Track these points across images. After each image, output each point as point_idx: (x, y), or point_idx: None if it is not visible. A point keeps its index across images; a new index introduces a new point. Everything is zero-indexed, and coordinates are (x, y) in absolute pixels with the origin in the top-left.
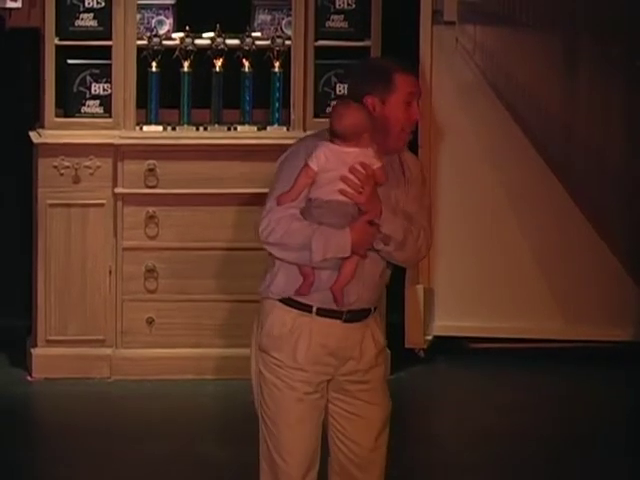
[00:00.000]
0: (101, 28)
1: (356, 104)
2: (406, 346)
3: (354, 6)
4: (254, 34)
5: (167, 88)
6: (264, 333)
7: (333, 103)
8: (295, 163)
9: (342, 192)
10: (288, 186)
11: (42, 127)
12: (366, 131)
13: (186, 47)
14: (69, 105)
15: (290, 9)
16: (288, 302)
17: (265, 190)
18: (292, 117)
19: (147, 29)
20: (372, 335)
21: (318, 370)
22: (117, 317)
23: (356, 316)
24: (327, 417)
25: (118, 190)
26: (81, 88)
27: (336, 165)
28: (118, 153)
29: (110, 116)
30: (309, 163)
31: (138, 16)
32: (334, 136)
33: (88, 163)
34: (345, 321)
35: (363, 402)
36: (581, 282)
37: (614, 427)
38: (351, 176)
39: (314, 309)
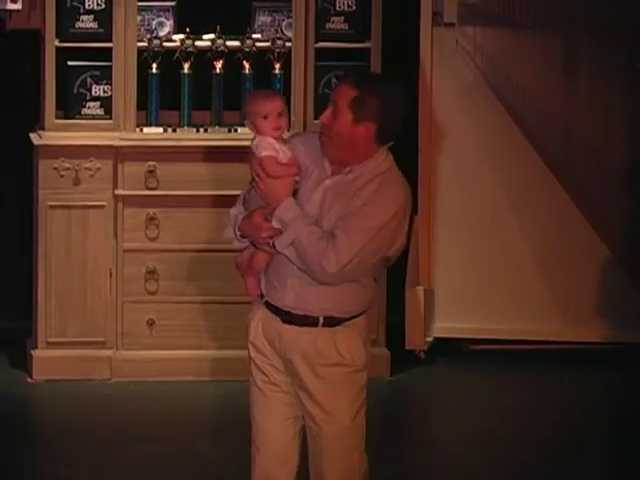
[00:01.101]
0: (101, 30)
1: (251, 95)
2: (406, 348)
3: (354, 8)
4: (254, 36)
5: (167, 90)
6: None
7: None
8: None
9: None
10: None
11: (42, 129)
12: (249, 119)
13: (186, 49)
14: (69, 107)
15: (290, 11)
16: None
17: None
18: (292, 119)
19: (147, 31)
20: (315, 343)
21: (266, 362)
22: (117, 319)
23: (295, 320)
24: None
25: (118, 192)
26: (81, 90)
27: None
28: (118, 155)
29: (110, 118)
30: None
31: (138, 18)
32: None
33: (88, 165)
34: (283, 322)
35: (307, 411)
36: (581, 283)
37: (613, 429)
38: (251, 165)
39: (263, 301)
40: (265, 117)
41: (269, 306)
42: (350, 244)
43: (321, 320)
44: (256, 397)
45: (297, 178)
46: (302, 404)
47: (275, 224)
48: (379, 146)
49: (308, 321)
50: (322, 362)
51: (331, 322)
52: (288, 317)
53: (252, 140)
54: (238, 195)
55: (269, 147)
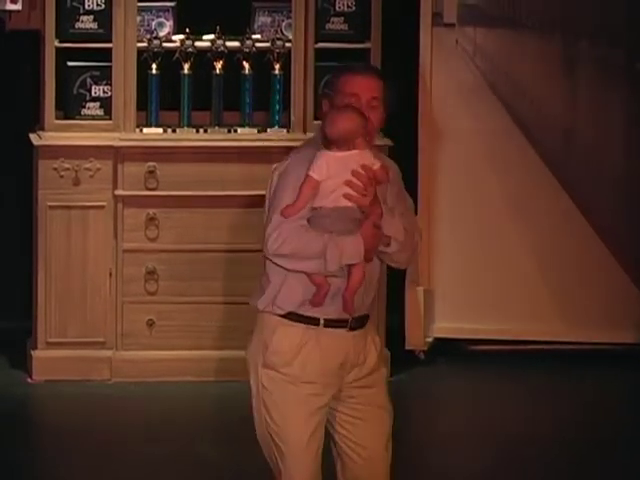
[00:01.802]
0: (101, 30)
1: (348, 109)
2: (406, 348)
3: (354, 8)
4: (254, 36)
5: (167, 90)
6: (272, 350)
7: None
8: (296, 174)
9: (347, 197)
10: (293, 198)
11: (42, 129)
12: (359, 135)
13: (186, 49)
14: (69, 107)
15: (290, 11)
16: (293, 317)
17: (265, 192)
18: (292, 119)
19: (147, 31)
20: (372, 339)
21: (328, 382)
22: (117, 319)
23: (359, 323)
24: (331, 427)
25: (118, 192)
26: (81, 90)
27: (338, 171)
28: (118, 155)
29: (110, 118)
30: (310, 174)
31: (138, 18)
32: (329, 143)
33: (88, 165)
34: (350, 329)
35: (367, 406)
36: (581, 284)
37: (613, 429)
38: (355, 180)
39: (321, 321)
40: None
41: (330, 323)
42: (415, 219)
43: (369, 315)
44: (301, 424)
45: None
46: (359, 404)
47: (386, 229)
48: None
49: (366, 319)
50: (379, 352)
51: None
52: (354, 323)
53: (347, 154)
54: (238, 195)
55: (375, 157)
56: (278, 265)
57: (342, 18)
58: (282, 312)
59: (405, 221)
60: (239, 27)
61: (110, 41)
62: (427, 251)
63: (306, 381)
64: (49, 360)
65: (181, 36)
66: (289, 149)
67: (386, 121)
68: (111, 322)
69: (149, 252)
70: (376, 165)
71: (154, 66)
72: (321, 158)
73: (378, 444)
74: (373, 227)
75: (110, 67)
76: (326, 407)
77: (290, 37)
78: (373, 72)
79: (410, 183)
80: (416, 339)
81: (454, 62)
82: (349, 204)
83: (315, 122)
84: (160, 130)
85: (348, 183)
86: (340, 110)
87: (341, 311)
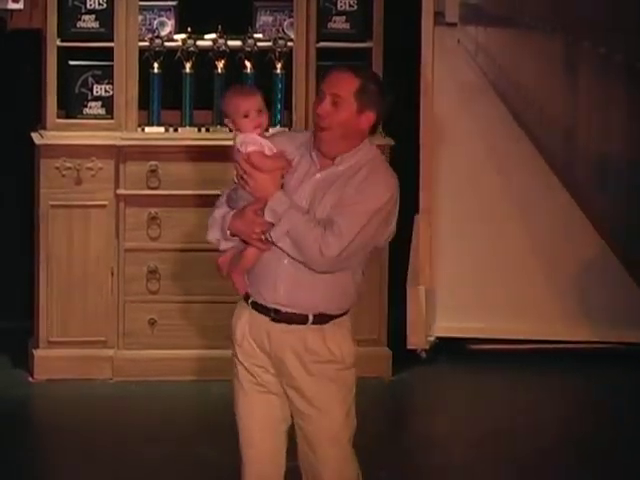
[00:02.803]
0: (103, 29)
1: (228, 91)
2: (408, 347)
3: (356, 7)
4: (256, 35)
5: (169, 89)
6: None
7: None
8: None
9: (234, 178)
10: None
11: (44, 128)
12: (230, 116)
13: (188, 48)
14: (71, 106)
15: (292, 10)
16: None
17: None
18: (294, 118)
19: (149, 30)
20: (305, 341)
21: (253, 362)
22: (119, 318)
23: (284, 318)
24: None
25: (120, 191)
26: (83, 89)
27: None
28: (120, 154)
29: (112, 117)
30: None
31: (140, 17)
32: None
33: (90, 164)
34: (272, 320)
35: (297, 410)
36: (584, 283)
37: (618, 428)
38: (235, 162)
39: (250, 301)
40: (246, 115)
41: (255, 306)
42: (349, 227)
43: (310, 318)
44: (242, 400)
45: (284, 171)
46: (292, 403)
47: (268, 217)
48: (367, 135)
49: (298, 319)
50: (313, 359)
51: (320, 320)
52: (277, 315)
53: (234, 138)
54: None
55: (255, 142)
56: None
57: (344, 17)
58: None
59: (321, 220)
60: (241, 26)
61: (112, 40)
62: (428, 251)
63: (239, 360)
64: (50, 359)
65: (183, 35)
66: None
67: (386, 120)
68: (113, 321)
69: (151, 251)
70: (249, 149)
71: (156, 65)
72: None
73: (306, 449)
74: (249, 211)
75: (112, 66)
76: (262, 388)
77: (292, 36)
78: (350, 68)
79: (411, 183)
80: (418, 338)
81: (456, 61)
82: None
83: None
84: (162, 129)
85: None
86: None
87: (262, 297)
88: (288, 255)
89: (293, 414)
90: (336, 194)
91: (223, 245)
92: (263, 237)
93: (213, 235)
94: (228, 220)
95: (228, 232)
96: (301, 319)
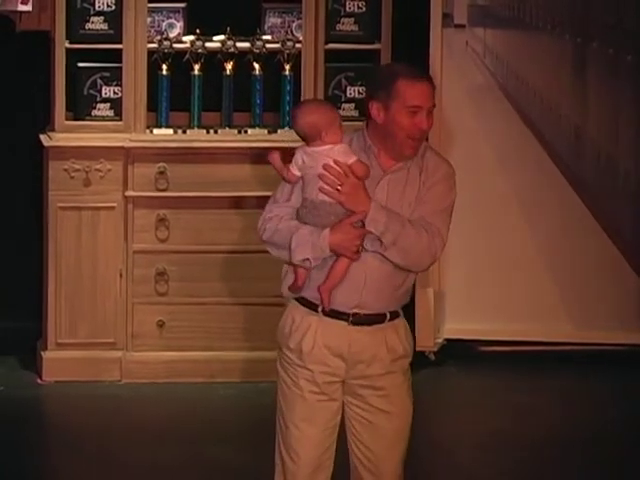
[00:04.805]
0: (111, 31)
1: (311, 103)
2: (416, 349)
3: (364, 9)
4: (264, 37)
5: (177, 91)
6: (278, 330)
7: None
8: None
9: (321, 190)
10: (285, 188)
11: (53, 130)
12: (323, 128)
13: (196, 50)
14: (79, 108)
15: (300, 12)
16: (300, 300)
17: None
18: None
19: (157, 32)
20: (385, 341)
21: (323, 370)
22: (127, 320)
23: (364, 320)
24: (345, 421)
25: (129, 193)
26: (91, 91)
27: (313, 165)
28: (128, 156)
29: (120, 119)
30: (290, 166)
31: (149, 19)
32: (300, 138)
33: (98, 166)
34: (352, 324)
35: (376, 409)
36: (592, 285)
37: (623, 429)
38: (326, 173)
39: (320, 309)
40: (340, 126)
41: (329, 312)
42: (445, 224)
43: (388, 316)
44: (299, 406)
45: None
46: (367, 403)
47: (372, 228)
48: None
49: (377, 319)
50: (392, 357)
51: (393, 316)
52: (357, 319)
53: (320, 149)
54: (248, 196)
55: (349, 152)
56: None
57: (352, 19)
58: (287, 296)
59: (421, 224)
60: (249, 28)
61: (120, 42)
62: None
63: (300, 365)
64: (59, 361)
65: (191, 37)
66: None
67: None
68: (121, 323)
69: (159, 253)
70: (350, 160)
71: (164, 67)
72: (297, 151)
73: (379, 447)
74: (349, 225)
75: (120, 68)
76: (324, 396)
77: (300, 38)
78: (427, 77)
79: None
80: (426, 340)
81: (464, 63)
82: (327, 198)
83: None
84: (170, 131)
85: (320, 176)
86: (300, 106)
87: (339, 303)
88: (391, 262)
89: (360, 414)
90: (410, 192)
91: (315, 263)
92: (361, 249)
93: (302, 254)
94: (326, 237)
95: (327, 249)
96: (380, 318)
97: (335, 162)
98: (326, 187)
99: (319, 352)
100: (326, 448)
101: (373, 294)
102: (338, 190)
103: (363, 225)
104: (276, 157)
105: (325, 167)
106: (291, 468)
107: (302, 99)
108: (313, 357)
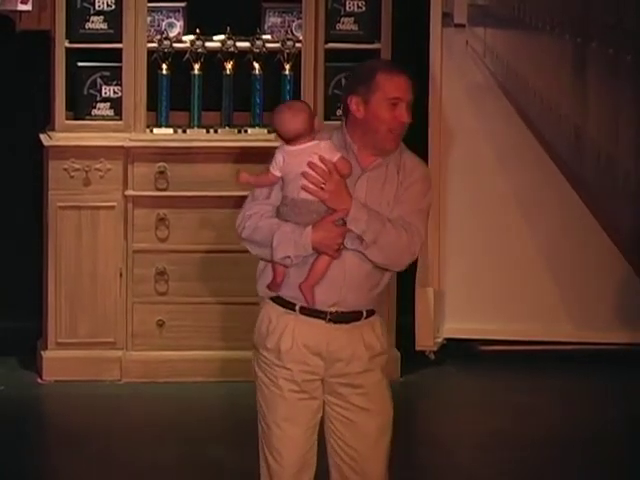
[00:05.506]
0: (111, 31)
1: (290, 105)
2: (416, 348)
3: (364, 9)
4: (264, 37)
5: (177, 91)
6: (255, 330)
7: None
8: None
9: (304, 188)
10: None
11: (52, 129)
12: (305, 130)
13: (196, 50)
14: (79, 108)
15: (300, 12)
16: (276, 300)
17: None
18: None
19: (157, 32)
20: (363, 338)
21: (302, 369)
22: (127, 319)
23: (342, 318)
24: (325, 420)
25: (128, 192)
26: (91, 91)
27: (295, 164)
28: (128, 155)
29: (120, 118)
30: (270, 167)
31: (148, 19)
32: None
33: (98, 165)
34: (330, 322)
35: (356, 407)
36: (592, 285)
37: (623, 429)
38: (311, 171)
39: (297, 307)
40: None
41: (306, 310)
42: (423, 224)
43: (364, 314)
44: (280, 405)
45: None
46: (347, 401)
47: (352, 226)
48: None
49: (354, 316)
50: (370, 354)
51: (369, 314)
52: (335, 317)
53: (303, 147)
54: (244, 196)
55: (335, 149)
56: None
57: (352, 18)
58: (264, 295)
59: (400, 223)
60: (249, 28)
61: (120, 41)
62: (437, 252)
63: (278, 365)
64: (59, 360)
65: (191, 36)
66: None
67: None
68: (121, 322)
69: (159, 252)
70: (335, 157)
71: (164, 66)
72: (278, 152)
73: (363, 445)
74: (330, 223)
75: (120, 67)
76: (305, 395)
77: (300, 37)
78: (405, 72)
79: None
80: (426, 339)
81: (464, 63)
82: (309, 197)
83: (325, 122)
84: (170, 130)
85: (304, 174)
86: (280, 109)
87: (317, 301)
88: (371, 261)
89: (341, 413)
90: (387, 190)
91: (295, 260)
92: (342, 247)
93: (284, 252)
94: (308, 235)
95: (310, 247)
96: (357, 316)
97: (320, 159)
98: (310, 186)
99: (298, 351)
100: (309, 447)
101: (352, 292)
102: (322, 188)
103: (344, 223)
104: (245, 175)
105: (310, 165)
106: (276, 470)
107: (302, 98)
108: (292, 356)
